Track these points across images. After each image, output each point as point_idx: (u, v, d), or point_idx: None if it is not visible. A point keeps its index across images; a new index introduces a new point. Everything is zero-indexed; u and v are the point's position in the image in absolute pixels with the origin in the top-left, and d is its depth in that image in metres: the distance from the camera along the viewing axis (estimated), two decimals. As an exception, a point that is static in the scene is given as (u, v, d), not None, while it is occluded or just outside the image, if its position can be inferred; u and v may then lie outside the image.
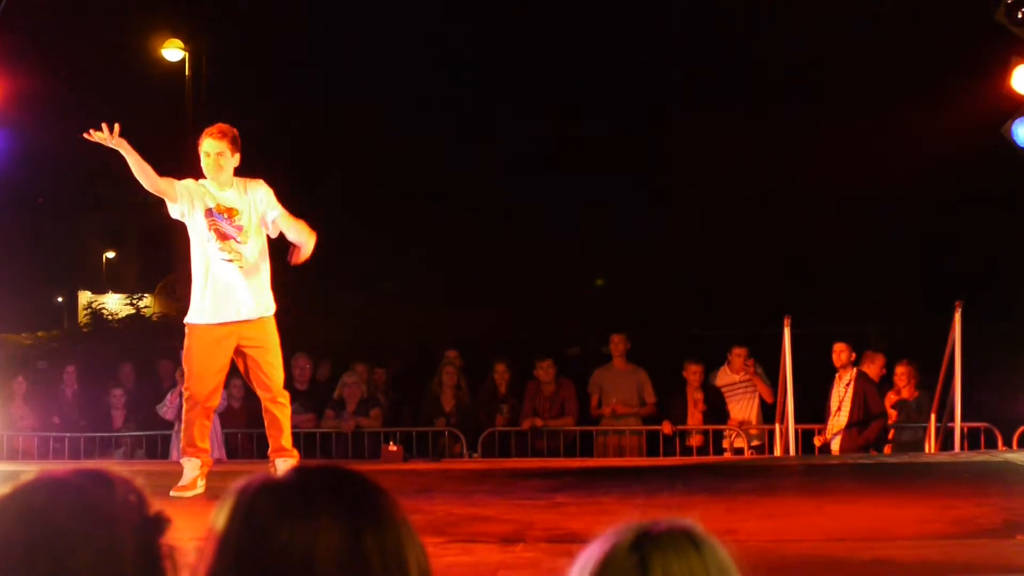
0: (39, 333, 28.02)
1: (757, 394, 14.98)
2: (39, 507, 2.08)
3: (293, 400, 15.38)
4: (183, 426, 9.45)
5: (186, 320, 9.34)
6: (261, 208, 9.11)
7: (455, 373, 15.55)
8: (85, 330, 29.51)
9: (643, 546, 2.11)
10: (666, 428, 15.00)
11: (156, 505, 2.17)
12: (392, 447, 12.37)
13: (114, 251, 46.28)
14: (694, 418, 15.19)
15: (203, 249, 9.12)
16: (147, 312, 30.59)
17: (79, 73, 26.18)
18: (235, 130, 9.10)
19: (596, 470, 11.76)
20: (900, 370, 14.73)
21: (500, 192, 25.76)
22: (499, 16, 26.82)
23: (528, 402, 15.31)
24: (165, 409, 14.79)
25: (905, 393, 14.64)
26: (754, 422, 14.97)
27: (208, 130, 9.07)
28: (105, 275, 44.73)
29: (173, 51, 27.12)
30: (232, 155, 9.07)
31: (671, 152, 25.52)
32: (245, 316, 9.15)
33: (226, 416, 14.98)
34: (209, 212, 9.06)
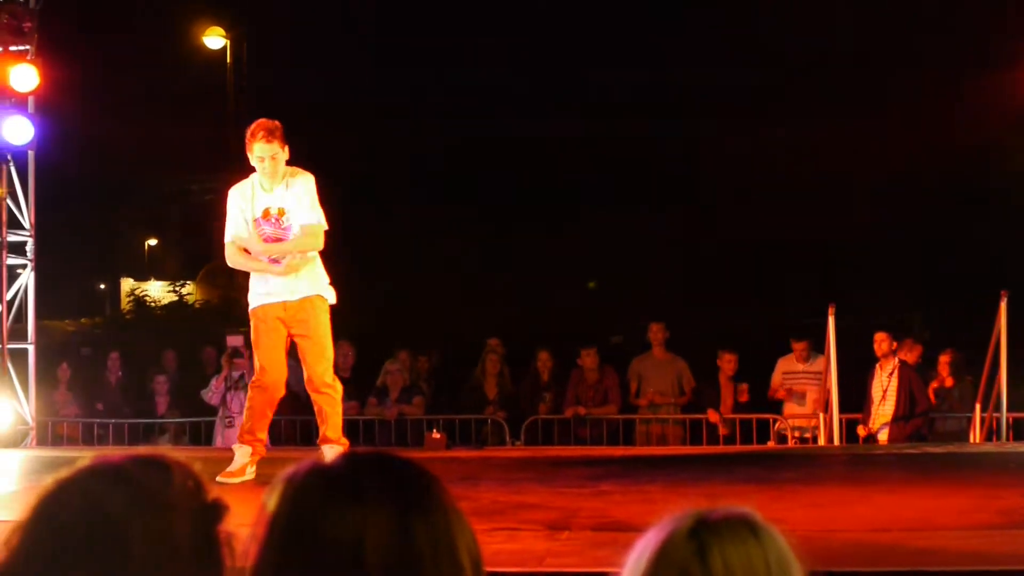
0: (82, 320, 28.22)
1: (817, 385, 14.90)
2: (98, 494, 2.08)
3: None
4: (245, 411, 9.43)
5: (249, 308, 9.36)
6: (299, 207, 9.10)
7: (498, 361, 15.58)
8: (128, 317, 29.63)
9: (701, 533, 2.11)
10: (712, 416, 15.00)
11: (213, 491, 2.18)
12: (435, 435, 12.40)
13: (156, 238, 46.47)
14: (726, 405, 15.20)
15: (254, 252, 9.20)
16: (190, 299, 30.70)
17: (121, 61, 26.28)
18: (278, 123, 9.04)
19: (639, 458, 11.75)
20: (944, 359, 14.69)
21: (542, 182, 25.76)
22: (524, 15, 26.79)
23: (571, 390, 15.33)
24: (210, 395, 14.88)
25: (948, 382, 14.60)
26: (812, 412, 14.92)
27: (253, 132, 8.98)
28: (147, 262, 44.94)
29: (214, 38, 27.21)
30: (283, 151, 9.03)
31: (712, 142, 25.43)
32: (293, 296, 9.15)
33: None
34: (256, 223, 9.09)
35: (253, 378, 9.42)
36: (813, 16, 24.06)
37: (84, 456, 2.18)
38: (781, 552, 2.12)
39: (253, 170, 9.15)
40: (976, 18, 21.54)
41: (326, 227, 9.21)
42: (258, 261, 9.21)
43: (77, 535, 2.05)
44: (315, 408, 9.42)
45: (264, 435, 9.47)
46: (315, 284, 9.24)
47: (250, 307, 9.31)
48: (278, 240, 9.10)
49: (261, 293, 9.22)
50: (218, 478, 8.75)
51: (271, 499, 2.11)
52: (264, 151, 8.94)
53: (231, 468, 9.08)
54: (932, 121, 21.94)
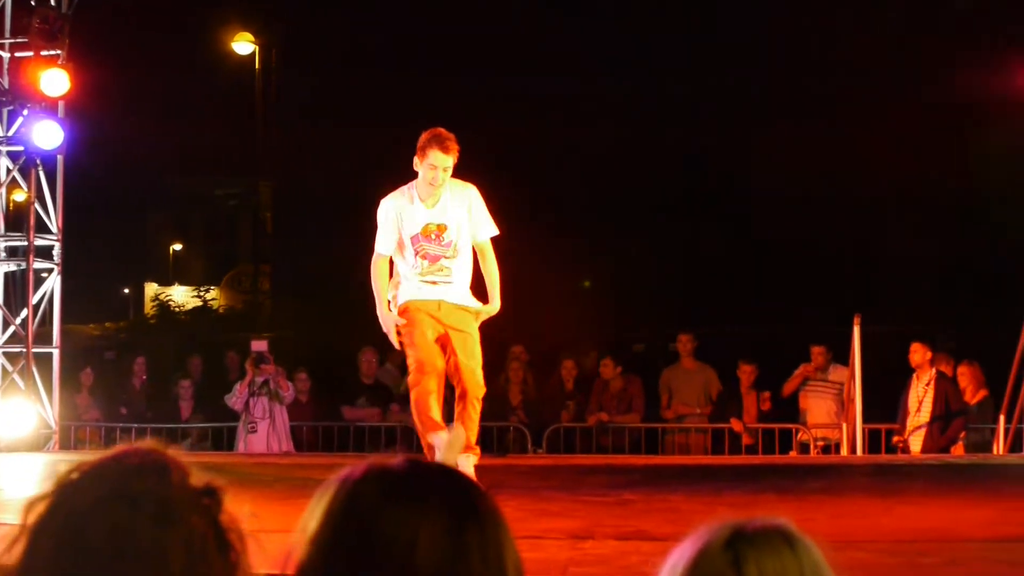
0: (107, 324, 28.30)
1: (836, 394, 14.87)
2: (122, 522, 2.04)
3: (360, 394, 15.56)
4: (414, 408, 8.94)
5: (399, 303, 8.96)
6: (471, 221, 8.81)
7: (521, 368, 15.59)
8: (152, 322, 29.74)
9: (737, 544, 2.10)
10: (736, 426, 14.99)
11: (202, 477, 2.14)
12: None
13: (181, 243, 46.64)
14: (748, 416, 15.19)
15: (409, 265, 8.86)
16: (214, 304, 30.82)
17: (150, 66, 26.38)
18: (450, 134, 8.67)
19: (663, 468, 11.74)
20: (962, 370, 14.66)
21: (566, 191, 25.75)
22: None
23: (595, 398, 15.33)
24: (234, 400, 14.86)
25: (967, 395, 14.56)
26: (832, 421, 14.87)
27: (435, 137, 8.63)
28: (172, 267, 45.09)
29: (243, 44, 27.30)
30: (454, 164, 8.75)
31: (740, 152, 25.42)
32: (449, 299, 8.82)
33: (293, 409, 15.07)
34: (416, 239, 8.78)
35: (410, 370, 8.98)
36: (841, 22, 24.05)
37: (68, 462, 2.14)
38: (816, 563, 2.12)
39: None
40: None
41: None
42: (385, 294, 8.91)
43: (108, 562, 2.02)
44: (458, 409, 8.91)
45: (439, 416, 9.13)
46: (468, 297, 8.97)
47: (401, 301, 8.93)
48: (438, 259, 8.79)
49: (411, 291, 8.88)
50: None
51: (324, 497, 2.10)
52: (441, 161, 8.59)
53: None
54: (958, 127, 21.90)
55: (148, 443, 2.19)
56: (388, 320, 8.92)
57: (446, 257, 8.79)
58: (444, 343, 8.85)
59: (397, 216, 8.82)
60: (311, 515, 2.10)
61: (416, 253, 8.79)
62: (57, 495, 2.09)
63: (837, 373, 14.84)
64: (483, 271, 8.96)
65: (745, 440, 15.05)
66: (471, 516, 2.08)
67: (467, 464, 8.70)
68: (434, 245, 8.77)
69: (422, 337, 8.78)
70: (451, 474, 2.17)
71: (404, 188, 8.86)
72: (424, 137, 8.65)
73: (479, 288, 9.02)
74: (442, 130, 8.66)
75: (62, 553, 2.04)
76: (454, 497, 2.09)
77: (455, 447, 8.49)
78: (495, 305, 8.89)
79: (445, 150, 8.58)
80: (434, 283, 8.80)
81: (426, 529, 2.03)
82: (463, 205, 8.79)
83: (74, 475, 2.12)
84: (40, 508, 2.09)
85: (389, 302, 8.96)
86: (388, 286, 8.98)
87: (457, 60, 26.36)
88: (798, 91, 24.59)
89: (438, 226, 8.77)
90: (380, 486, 2.09)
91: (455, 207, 8.77)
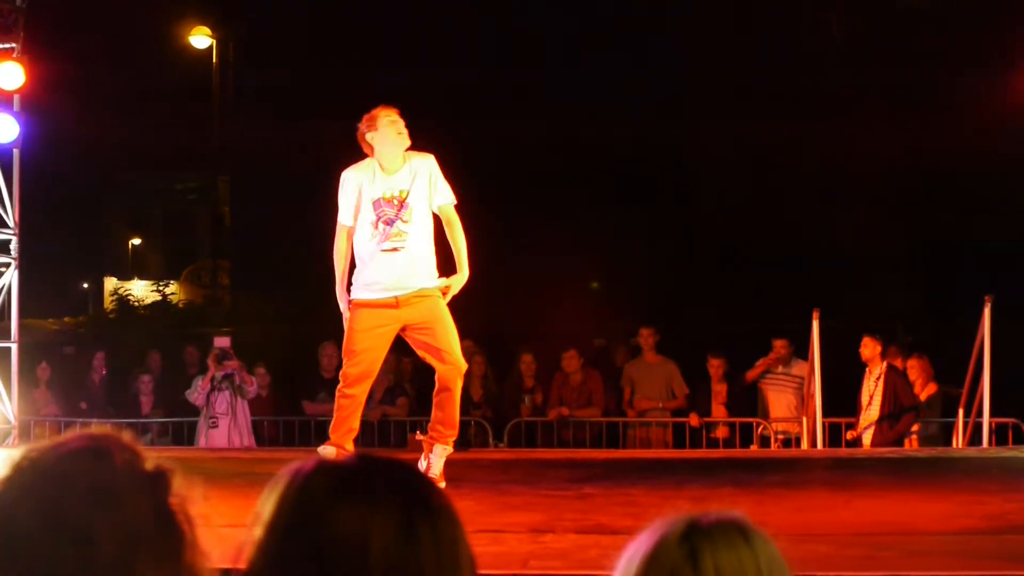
0: (65, 319, 28.15)
1: (797, 388, 14.92)
2: (52, 499, 2.03)
3: (320, 389, 15.53)
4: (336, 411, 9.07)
5: (351, 297, 8.94)
6: (432, 188, 8.81)
7: (483, 363, 15.59)
8: (111, 316, 29.61)
9: (693, 537, 2.11)
10: (693, 420, 15.04)
11: (151, 459, 2.13)
12: (419, 436, 12.37)
13: (139, 237, 46.41)
14: (717, 411, 15.25)
15: (366, 236, 8.81)
16: (173, 299, 30.68)
17: (106, 59, 26.25)
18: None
19: (623, 461, 11.77)
20: (912, 363, 14.73)
21: (528, 186, 25.73)
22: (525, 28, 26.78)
23: (555, 392, 15.35)
24: (195, 395, 14.76)
25: (917, 388, 14.62)
26: (793, 415, 14.92)
27: (379, 109, 8.75)
28: (131, 261, 44.86)
29: (201, 38, 27.20)
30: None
31: (700, 144, 25.46)
32: (408, 284, 8.79)
33: (253, 404, 15.04)
34: (377, 203, 8.76)
35: (341, 373, 9.05)
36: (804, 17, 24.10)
37: (12, 451, 2.14)
38: (772, 557, 2.13)
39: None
40: (985, 16, 21.59)
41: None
42: (343, 269, 8.92)
43: (39, 544, 2.00)
44: (440, 396, 8.96)
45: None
46: (430, 276, 8.92)
47: (354, 297, 8.92)
48: (395, 223, 8.71)
49: (364, 287, 8.87)
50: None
51: (272, 494, 2.09)
52: (396, 115, 8.72)
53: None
54: (920, 121, 21.97)
55: (100, 429, 2.19)
56: (343, 299, 8.95)
57: (403, 222, 8.75)
58: (407, 339, 8.92)
59: (358, 185, 8.83)
60: (261, 509, 2.09)
61: (378, 219, 8.75)
62: (3, 480, 2.08)
63: (798, 367, 14.91)
64: (449, 239, 8.96)
65: (721, 434, 15.10)
66: (423, 511, 2.07)
67: (441, 455, 8.81)
68: (394, 210, 8.75)
69: (363, 346, 8.86)
70: (402, 469, 2.15)
71: (366, 160, 8.88)
72: (367, 114, 8.78)
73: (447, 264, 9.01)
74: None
75: (5, 559, 2.01)
76: (405, 492, 2.08)
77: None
78: (463, 275, 8.87)
79: (396, 108, 8.73)
80: (394, 250, 8.74)
81: (377, 525, 2.02)
82: (424, 173, 8.81)
83: (22, 460, 2.10)
84: None
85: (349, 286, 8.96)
86: (343, 259, 8.96)
87: (420, 52, 26.30)
88: (757, 81, 24.63)
89: (400, 191, 8.77)
90: (330, 482, 2.08)
91: (418, 174, 8.79)
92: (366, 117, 8.81)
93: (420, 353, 9.03)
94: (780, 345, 15.12)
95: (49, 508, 2.02)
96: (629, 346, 16.50)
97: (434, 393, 8.99)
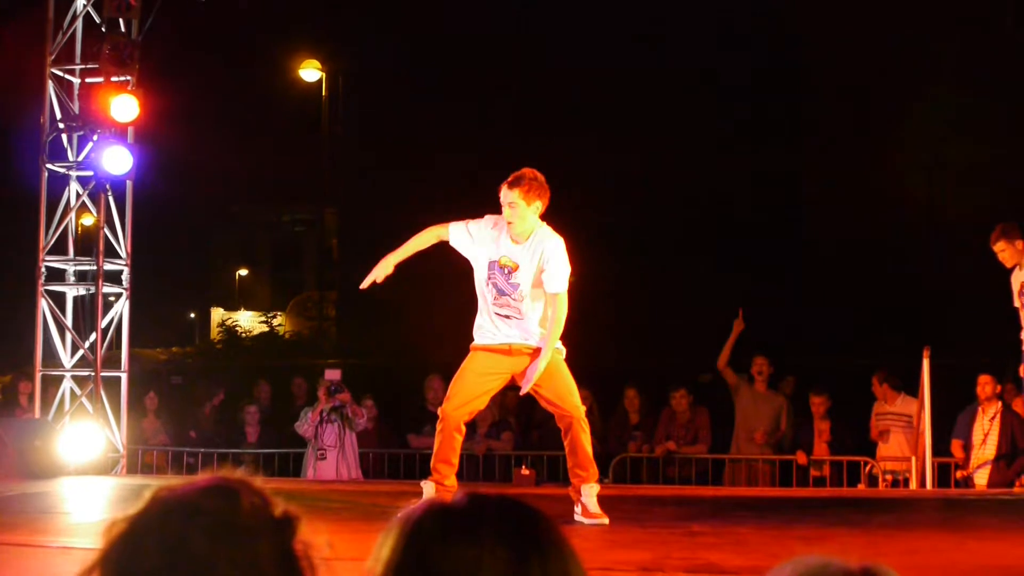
0: (173, 349, 28.52)
1: (905, 425, 14.73)
2: (175, 531, 2.06)
3: (426, 421, 15.57)
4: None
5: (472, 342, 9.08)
6: (545, 270, 8.76)
7: (588, 397, 15.56)
8: (219, 346, 29.94)
9: None
10: (800, 459, 14.89)
11: (281, 504, 2.17)
12: (524, 471, 12.40)
13: (247, 268, 46.92)
14: (819, 449, 15.05)
15: (481, 286, 8.95)
16: (280, 330, 30.97)
17: (218, 91, 26.58)
18: (531, 174, 8.70)
19: (730, 499, 11.68)
20: (1020, 402, 14.51)
21: (632, 223, 25.71)
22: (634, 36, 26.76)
23: (662, 428, 15.29)
24: (305, 427, 14.71)
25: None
26: (902, 453, 14.72)
27: (545, 185, 8.72)
28: (238, 292, 45.37)
29: (310, 71, 27.47)
30: (527, 204, 8.66)
31: (809, 176, 25.33)
32: (520, 342, 8.90)
33: (359, 437, 15.06)
34: (492, 265, 8.84)
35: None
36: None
37: (148, 486, 2.18)
38: None
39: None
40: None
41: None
42: (412, 245, 9.07)
43: (157, 570, 2.04)
44: (567, 442, 9.02)
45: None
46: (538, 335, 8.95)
47: (474, 338, 9.06)
48: (504, 296, 8.83)
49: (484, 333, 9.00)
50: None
51: (387, 538, 2.11)
52: (503, 196, 8.70)
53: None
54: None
55: (232, 471, 2.22)
56: (385, 261, 9.05)
57: (512, 298, 8.84)
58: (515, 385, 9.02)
59: (482, 232, 8.89)
60: (376, 559, 2.10)
61: (489, 279, 8.86)
62: (133, 517, 2.12)
63: (906, 404, 14.72)
64: (549, 318, 8.93)
65: (813, 473, 14.94)
66: (533, 549, 2.07)
67: (593, 493, 8.89)
68: (503, 281, 8.82)
69: (466, 386, 8.94)
70: (512, 506, 2.15)
71: (503, 218, 8.86)
72: (542, 182, 8.74)
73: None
74: (527, 169, 8.73)
75: (121, 561, 2.07)
76: (515, 530, 2.08)
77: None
78: (544, 357, 8.75)
79: (508, 185, 8.67)
80: (507, 317, 8.86)
81: (486, 565, 2.03)
82: (538, 252, 8.77)
83: (154, 494, 2.15)
84: (120, 527, 2.11)
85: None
86: (416, 245, 9.08)
87: (527, 92, 26.40)
88: (864, 110, 24.48)
89: (514, 263, 8.80)
90: (439, 524, 2.09)
91: (537, 256, 8.77)
92: (542, 186, 8.73)
93: (540, 402, 9.08)
94: (879, 386, 14.95)
95: (173, 542, 2.06)
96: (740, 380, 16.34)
97: (563, 438, 9.02)
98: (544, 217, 8.88)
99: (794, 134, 26.22)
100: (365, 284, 9.16)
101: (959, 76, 24.19)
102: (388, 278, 9.07)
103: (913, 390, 14.32)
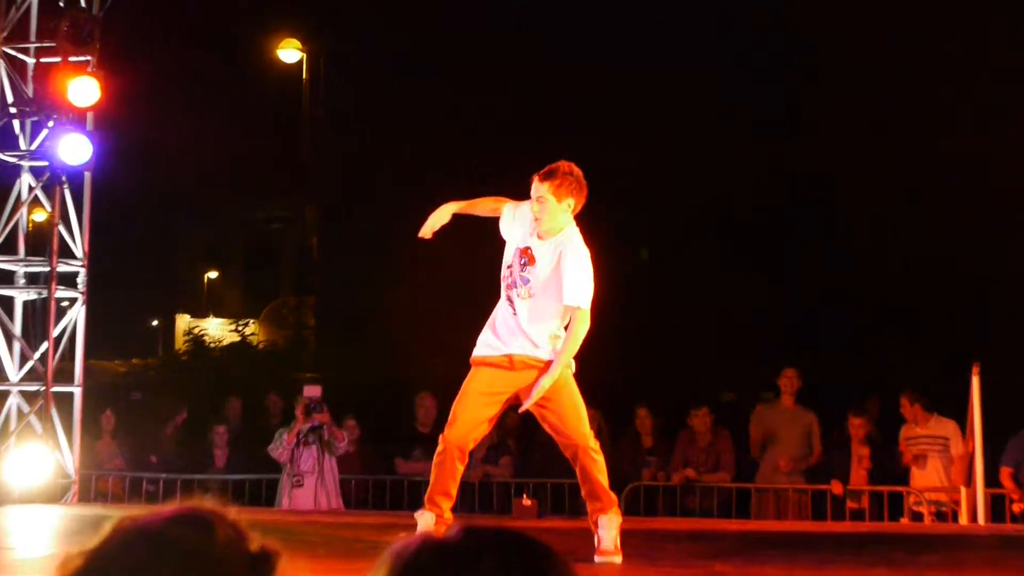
0: (133, 360, 28.43)
1: (942, 450, 14.64)
2: (141, 569, 2.06)
3: (416, 445, 15.49)
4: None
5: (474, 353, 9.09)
6: (560, 274, 8.70)
7: (596, 417, 15.48)
8: (184, 358, 29.84)
9: None
10: (836, 488, 14.78)
11: (257, 538, 2.17)
12: (526, 501, 12.32)
13: (216, 271, 46.86)
14: (857, 476, 14.95)
15: (503, 278, 8.94)
16: (253, 340, 30.86)
17: (186, 74, 26.53)
18: (566, 167, 8.66)
19: (757, 534, 11.62)
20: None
21: (647, 229, 25.70)
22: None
23: (679, 452, 15.20)
24: (280, 451, 14.59)
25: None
26: (942, 483, 14.63)
27: (584, 183, 8.72)
28: (206, 297, 45.32)
29: (290, 52, 27.44)
30: (559, 200, 8.62)
31: (846, 183, 25.31)
32: (520, 352, 8.83)
33: (340, 461, 14.95)
34: (517, 250, 8.83)
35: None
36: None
37: (107, 517, 2.17)
38: None
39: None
40: None
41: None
42: (473, 203, 9.14)
43: None
44: (577, 470, 8.95)
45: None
46: (546, 348, 8.88)
47: (477, 349, 9.04)
48: (513, 285, 8.79)
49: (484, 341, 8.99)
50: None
51: (378, 574, 2.10)
52: (532, 189, 8.67)
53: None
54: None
55: (207, 502, 2.23)
56: (443, 208, 9.04)
57: (518, 293, 8.78)
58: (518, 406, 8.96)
59: (522, 217, 8.85)
60: None
61: (509, 265, 8.86)
62: (91, 551, 2.12)
63: (940, 426, 14.63)
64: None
65: (850, 505, 14.84)
66: None
67: (611, 525, 8.74)
68: (519, 270, 8.78)
69: (469, 408, 8.92)
70: (514, 540, 2.13)
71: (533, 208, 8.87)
72: (579, 177, 8.72)
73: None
74: (563, 162, 8.68)
75: None
76: (518, 568, 2.07)
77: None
78: (554, 369, 8.69)
79: (540, 177, 8.62)
80: (512, 315, 8.79)
81: None
82: (556, 254, 8.70)
83: (121, 521, 2.16)
84: (76, 562, 2.11)
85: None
86: (477, 207, 9.13)
87: (525, 83, 26.35)
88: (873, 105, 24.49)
89: (532, 256, 8.75)
90: (435, 560, 2.08)
91: (552, 253, 8.72)
92: (577, 181, 8.70)
93: (543, 425, 9.01)
94: (907, 407, 14.89)
95: (140, 570, 2.06)
96: (760, 399, 16.26)
97: (573, 466, 8.96)
98: None
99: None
100: (424, 232, 9.04)
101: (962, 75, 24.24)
102: (438, 232, 8.97)
103: (944, 411, 14.28)
